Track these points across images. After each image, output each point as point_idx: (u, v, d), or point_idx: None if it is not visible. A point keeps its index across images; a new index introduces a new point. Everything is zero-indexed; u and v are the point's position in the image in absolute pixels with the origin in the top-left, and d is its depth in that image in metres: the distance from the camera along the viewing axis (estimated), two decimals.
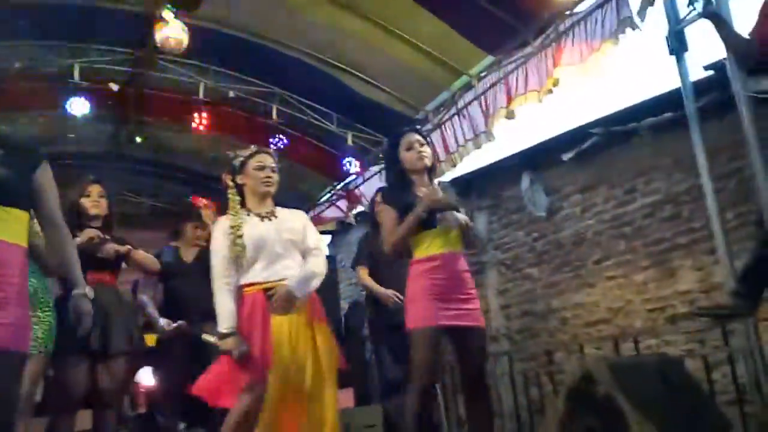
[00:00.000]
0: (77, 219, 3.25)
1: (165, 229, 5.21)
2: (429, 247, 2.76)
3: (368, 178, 6.80)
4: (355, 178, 6.89)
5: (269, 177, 2.70)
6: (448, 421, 5.41)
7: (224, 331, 2.51)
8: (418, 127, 4.79)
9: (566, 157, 5.44)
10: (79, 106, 5.53)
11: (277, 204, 2.81)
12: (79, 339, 3.02)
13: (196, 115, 5.78)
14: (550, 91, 4.40)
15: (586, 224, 5.43)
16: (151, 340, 4.12)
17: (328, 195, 7.54)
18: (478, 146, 5.26)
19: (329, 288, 6.92)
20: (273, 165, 2.74)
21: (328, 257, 7.60)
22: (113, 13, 5.16)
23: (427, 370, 2.66)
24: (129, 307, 3.63)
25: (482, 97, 5.16)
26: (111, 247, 3.23)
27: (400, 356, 3.66)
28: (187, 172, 7.47)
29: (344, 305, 7.59)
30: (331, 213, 7.80)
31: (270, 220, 2.68)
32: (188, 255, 3.94)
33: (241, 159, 2.74)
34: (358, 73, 5.65)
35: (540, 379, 5.22)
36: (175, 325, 3.72)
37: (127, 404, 5.79)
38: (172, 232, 4.14)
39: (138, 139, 6.27)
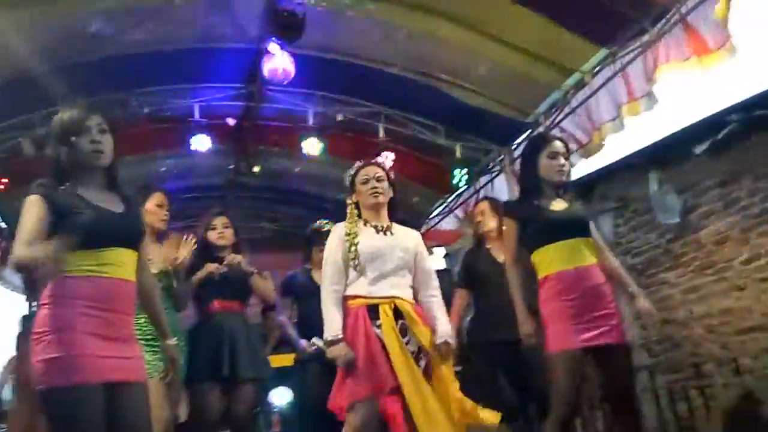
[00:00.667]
0: (205, 252, 3.41)
1: (285, 252, 5.34)
2: (555, 264, 2.58)
3: (479, 189, 6.63)
4: (466, 189, 6.73)
5: (375, 188, 2.68)
6: None
7: (331, 337, 2.49)
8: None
9: (700, 149, 4.94)
10: (201, 143, 5.85)
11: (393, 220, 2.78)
12: (210, 366, 3.20)
13: (306, 141, 5.92)
14: (700, 69, 3.94)
15: (729, 221, 4.87)
16: (287, 360, 4.27)
17: (440, 208, 7.43)
18: (598, 147, 4.92)
19: (446, 304, 6.77)
20: (379, 175, 2.71)
21: (444, 271, 7.52)
22: (223, 52, 5.44)
23: (567, 399, 2.49)
24: (257, 333, 3.73)
25: (599, 93, 4.82)
26: (235, 258, 3.38)
27: (515, 377, 3.45)
28: (302, 195, 7.69)
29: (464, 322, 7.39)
30: (444, 226, 7.69)
31: (386, 234, 2.65)
32: (319, 277, 4.01)
33: (350, 178, 2.77)
34: (461, 83, 5.51)
35: (688, 393, 4.73)
36: (314, 347, 3.77)
37: (263, 424, 5.98)
38: (303, 256, 4.21)
39: (255, 169, 6.54)
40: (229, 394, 3.28)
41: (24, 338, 6.81)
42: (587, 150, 5.14)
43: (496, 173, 6.30)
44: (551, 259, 2.59)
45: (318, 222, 4.08)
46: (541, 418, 3.42)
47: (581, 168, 5.45)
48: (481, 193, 6.27)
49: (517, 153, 6.01)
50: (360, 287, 2.56)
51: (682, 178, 5.23)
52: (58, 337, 1.83)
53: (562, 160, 2.67)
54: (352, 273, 2.57)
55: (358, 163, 2.79)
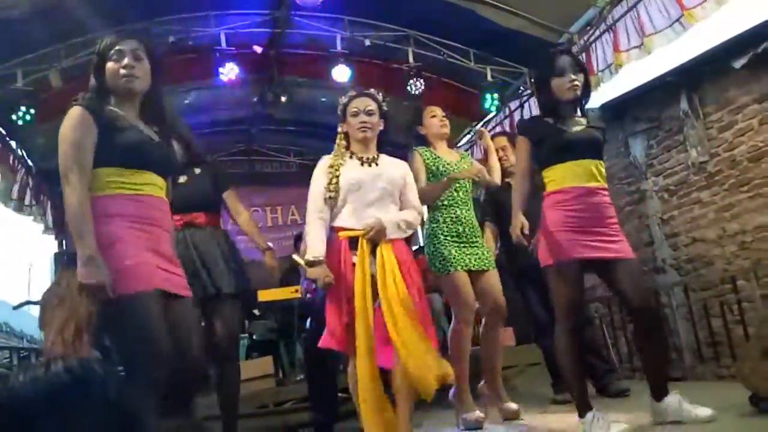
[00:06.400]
0: None
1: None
2: (564, 181, 2.59)
3: (509, 114, 6.57)
4: (496, 115, 6.67)
5: (364, 122, 2.65)
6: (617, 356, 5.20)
7: (312, 258, 2.51)
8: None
9: (738, 64, 4.85)
10: (229, 73, 5.77)
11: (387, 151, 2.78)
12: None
13: (335, 68, 5.84)
14: None
15: (766, 137, 4.84)
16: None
17: (469, 136, 7.38)
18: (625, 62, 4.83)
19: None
20: (369, 108, 2.67)
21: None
22: None
23: (570, 307, 2.52)
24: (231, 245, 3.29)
25: (637, 7, 4.71)
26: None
27: (545, 296, 3.52)
28: (328, 128, 7.53)
29: None
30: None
31: (370, 165, 2.65)
32: None
33: (342, 107, 2.74)
34: (492, 2, 5.37)
35: (723, 309, 4.82)
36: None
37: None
38: None
39: (283, 99, 6.46)
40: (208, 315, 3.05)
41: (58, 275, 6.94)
42: (612, 73, 5.05)
43: (526, 97, 6.23)
44: (561, 177, 2.60)
45: None
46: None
47: (612, 90, 5.39)
48: (515, 116, 6.21)
49: None
50: (343, 219, 2.59)
51: (718, 95, 5.16)
52: (111, 252, 1.86)
53: (572, 76, 2.59)
54: (337, 204, 2.59)
55: (351, 93, 2.76)
